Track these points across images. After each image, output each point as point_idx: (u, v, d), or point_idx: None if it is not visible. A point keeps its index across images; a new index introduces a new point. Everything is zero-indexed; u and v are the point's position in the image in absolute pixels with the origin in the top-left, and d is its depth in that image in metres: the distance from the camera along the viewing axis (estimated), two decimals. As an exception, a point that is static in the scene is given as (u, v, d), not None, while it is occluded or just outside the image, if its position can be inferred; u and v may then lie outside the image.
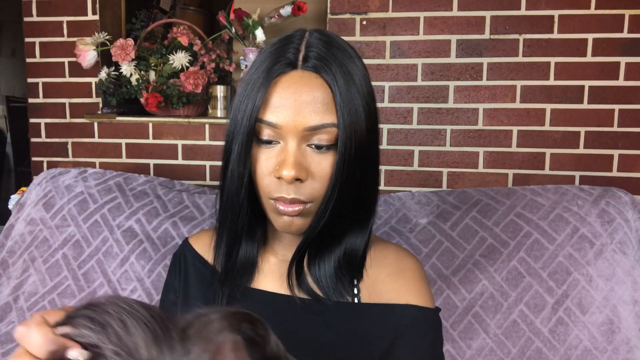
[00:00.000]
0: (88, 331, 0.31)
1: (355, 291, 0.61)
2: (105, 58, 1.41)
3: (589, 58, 1.26)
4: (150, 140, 1.44)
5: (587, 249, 0.96)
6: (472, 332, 0.93)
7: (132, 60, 1.34)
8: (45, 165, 1.50)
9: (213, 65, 1.36)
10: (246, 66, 1.39)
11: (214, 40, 1.41)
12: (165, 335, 0.31)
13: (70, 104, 1.47)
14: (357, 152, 0.54)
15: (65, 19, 1.44)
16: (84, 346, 0.31)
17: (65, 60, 1.46)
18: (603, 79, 1.26)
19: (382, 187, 1.36)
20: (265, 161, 0.54)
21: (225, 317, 0.33)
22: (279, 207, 0.54)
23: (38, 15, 1.45)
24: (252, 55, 1.37)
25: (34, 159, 1.51)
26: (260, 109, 0.52)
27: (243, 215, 0.58)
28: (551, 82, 1.28)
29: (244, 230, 0.60)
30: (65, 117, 1.48)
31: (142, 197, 1.13)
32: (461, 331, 0.93)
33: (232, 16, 1.39)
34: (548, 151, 1.30)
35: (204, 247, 0.69)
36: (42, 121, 1.49)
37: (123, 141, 1.45)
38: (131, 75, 1.34)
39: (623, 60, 1.25)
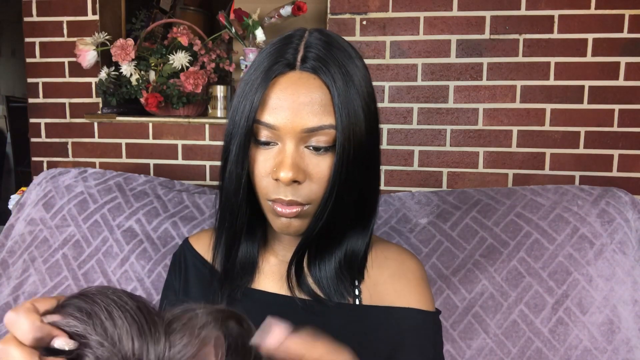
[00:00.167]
0: (75, 321, 0.32)
1: (357, 292, 0.61)
2: (105, 58, 1.41)
3: (589, 58, 1.26)
4: (150, 140, 1.44)
5: (587, 249, 0.96)
6: (472, 332, 0.93)
7: (132, 60, 1.34)
8: (45, 165, 1.50)
9: (213, 65, 1.36)
10: (246, 66, 1.39)
11: (214, 40, 1.41)
12: (151, 328, 0.31)
13: (70, 104, 1.47)
14: (356, 154, 0.53)
15: (65, 19, 1.44)
16: (71, 335, 0.32)
17: (65, 60, 1.46)
18: (603, 79, 1.26)
19: (382, 187, 1.36)
20: (263, 162, 0.54)
21: (211, 313, 0.33)
22: (277, 209, 0.54)
23: (38, 15, 1.45)
24: (252, 55, 1.37)
25: (34, 159, 1.51)
26: (258, 110, 0.52)
27: (242, 216, 0.58)
28: (551, 82, 1.28)
29: (243, 230, 0.59)
30: (65, 117, 1.48)
31: (142, 197, 1.13)
32: (461, 331, 0.93)
33: (232, 16, 1.39)
34: (548, 151, 1.30)
35: (204, 247, 0.69)
36: (42, 121, 1.49)
37: (123, 141, 1.45)
38: (131, 75, 1.34)
39: (623, 60, 1.25)
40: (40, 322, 0.31)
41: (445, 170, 1.34)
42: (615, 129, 1.27)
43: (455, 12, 1.30)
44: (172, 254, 0.73)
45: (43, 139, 1.50)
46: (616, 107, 1.26)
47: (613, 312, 0.91)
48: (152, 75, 1.36)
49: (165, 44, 1.37)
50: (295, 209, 0.54)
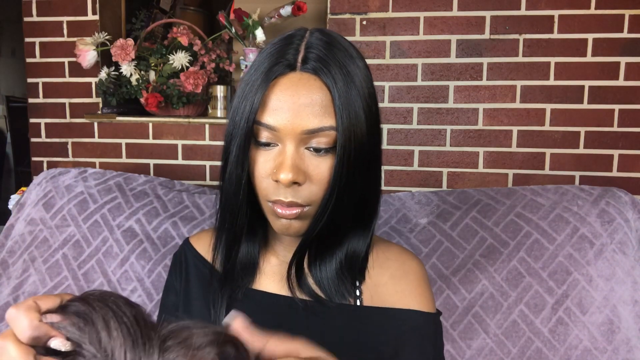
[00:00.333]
0: (72, 327, 0.32)
1: (357, 293, 0.60)
2: (105, 58, 1.41)
3: (589, 58, 1.26)
4: (150, 140, 1.44)
5: (587, 249, 0.96)
6: (472, 332, 0.93)
7: (132, 60, 1.34)
8: (45, 165, 1.50)
9: (213, 65, 1.36)
10: (246, 66, 1.39)
11: (214, 40, 1.41)
12: (145, 343, 0.32)
13: (70, 104, 1.47)
14: (357, 155, 0.53)
15: (65, 19, 1.44)
16: (67, 338, 0.32)
17: (65, 60, 1.46)
18: (603, 79, 1.26)
19: (382, 187, 1.36)
20: (263, 163, 0.53)
21: (208, 334, 0.33)
22: (277, 210, 0.54)
23: (38, 15, 1.45)
24: (252, 55, 1.37)
25: (34, 159, 1.51)
26: (258, 111, 0.52)
27: (242, 217, 0.57)
28: (551, 82, 1.28)
29: (243, 231, 0.59)
30: (65, 117, 1.48)
31: (142, 197, 1.13)
32: (461, 331, 0.93)
33: (232, 16, 1.39)
34: (548, 151, 1.30)
35: (205, 247, 0.68)
36: (42, 121, 1.49)
37: (123, 141, 1.45)
38: (131, 75, 1.34)
39: (623, 60, 1.25)
40: (39, 321, 0.31)
41: (445, 170, 1.34)
42: (615, 129, 1.27)
43: (455, 12, 1.30)
44: (173, 254, 0.73)
45: (43, 139, 1.50)
46: (616, 107, 1.26)
47: (613, 312, 0.91)
48: (152, 75, 1.36)
49: (165, 44, 1.37)
50: (295, 211, 0.54)
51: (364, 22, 1.34)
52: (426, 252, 1.01)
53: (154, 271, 1.02)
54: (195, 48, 1.34)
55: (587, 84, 1.27)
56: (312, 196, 0.53)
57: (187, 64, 1.32)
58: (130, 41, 1.34)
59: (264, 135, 0.53)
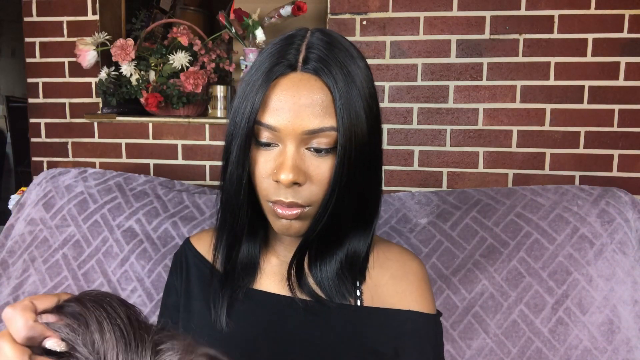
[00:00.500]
0: (66, 328, 0.32)
1: (358, 293, 0.60)
2: (105, 58, 1.41)
3: (589, 58, 1.26)
4: (150, 140, 1.44)
5: (587, 249, 0.96)
6: (472, 332, 0.93)
7: (132, 60, 1.34)
8: (45, 165, 1.50)
9: (213, 65, 1.36)
10: (246, 66, 1.39)
11: (214, 40, 1.41)
12: (138, 345, 0.32)
13: (70, 104, 1.47)
14: (358, 155, 0.53)
15: (65, 19, 1.44)
16: (62, 339, 0.32)
17: (65, 60, 1.46)
18: (603, 79, 1.26)
19: (382, 187, 1.36)
20: (264, 164, 0.53)
21: (198, 348, 0.34)
22: (277, 210, 0.54)
23: (38, 15, 1.45)
24: (252, 55, 1.37)
25: (34, 159, 1.51)
26: (259, 111, 0.52)
27: (242, 217, 0.57)
28: (551, 82, 1.28)
29: (244, 231, 0.59)
30: (65, 117, 1.48)
31: (142, 197, 1.13)
32: (461, 331, 0.93)
33: (232, 16, 1.39)
34: (548, 151, 1.30)
35: (206, 247, 0.68)
36: (42, 121, 1.49)
37: (123, 141, 1.45)
38: (131, 75, 1.34)
39: (623, 60, 1.25)
40: (34, 322, 0.32)
41: (445, 170, 1.34)
42: (615, 129, 1.27)
43: (455, 12, 1.30)
44: (174, 254, 0.73)
45: (43, 139, 1.50)
46: (616, 107, 1.26)
47: (613, 312, 0.91)
48: (152, 75, 1.36)
49: (165, 44, 1.37)
50: (295, 211, 0.53)
51: (364, 22, 1.34)
52: (426, 252, 1.01)
53: (154, 271, 1.02)
54: (195, 48, 1.34)
55: (587, 84, 1.27)
56: (313, 196, 0.53)
57: (187, 64, 1.32)
58: (130, 41, 1.34)
59: (265, 136, 0.53)
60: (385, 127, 1.35)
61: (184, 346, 0.33)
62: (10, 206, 1.29)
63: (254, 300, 0.62)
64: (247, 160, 0.54)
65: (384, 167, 1.35)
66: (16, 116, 3.03)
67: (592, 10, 1.25)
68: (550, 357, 0.89)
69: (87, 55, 1.36)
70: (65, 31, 1.45)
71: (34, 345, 0.32)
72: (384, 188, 1.36)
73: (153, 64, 1.35)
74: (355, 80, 0.53)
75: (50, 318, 0.33)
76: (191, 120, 1.38)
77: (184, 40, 1.32)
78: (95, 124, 1.46)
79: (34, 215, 1.12)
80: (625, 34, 1.24)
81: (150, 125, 1.43)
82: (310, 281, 0.60)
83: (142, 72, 1.35)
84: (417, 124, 1.34)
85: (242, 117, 0.53)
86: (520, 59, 1.28)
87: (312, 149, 0.52)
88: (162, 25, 1.68)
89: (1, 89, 3.23)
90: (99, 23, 1.43)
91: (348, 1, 1.34)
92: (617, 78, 1.26)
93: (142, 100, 1.35)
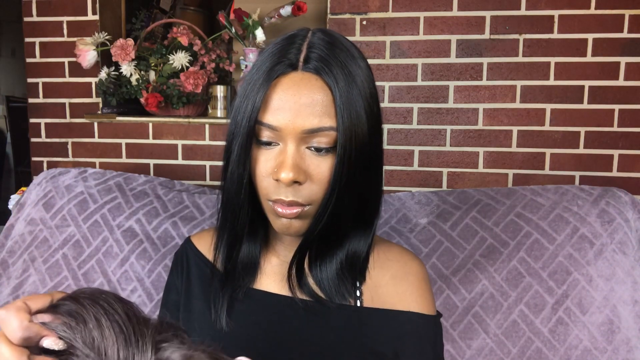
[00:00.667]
0: (63, 326, 0.32)
1: (358, 293, 0.60)
2: (105, 58, 1.41)
3: (589, 58, 1.26)
4: (150, 140, 1.44)
5: (587, 249, 0.96)
6: (472, 332, 0.93)
7: (132, 60, 1.34)
8: (45, 165, 1.50)
9: (213, 65, 1.36)
10: (246, 66, 1.39)
11: (214, 40, 1.41)
12: (138, 340, 0.32)
13: (70, 104, 1.47)
14: (358, 155, 0.53)
15: (65, 19, 1.44)
16: (60, 337, 0.32)
17: (65, 60, 1.46)
18: (603, 79, 1.26)
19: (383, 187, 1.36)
20: (264, 163, 0.53)
21: (197, 346, 0.34)
22: (277, 209, 0.54)
23: (38, 15, 1.45)
24: (252, 55, 1.37)
25: (34, 159, 1.51)
26: (260, 110, 0.52)
27: (243, 216, 0.57)
28: (551, 82, 1.28)
29: (245, 231, 0.59)
30: (65, 117, 1.48)
31: (142, 197, 1.13)
32: (461, 331, 0.93)
33: (232, 16, 1.39)
34: (548, 151, 1.30)
35: (206, 246, 0.69)
36: (42, 121, 1.49)
37: (123, 141, 1.45)
38: (131, 75, 1.34)
39: (623, 60, 1.25)
40: (29, 322, 0.32)
41: (445, 170, 1.34)
42: (615, 129, 1.27)
43: (455, 12, 1.30)
44: (174, 253, 0.73)
45: (43, 139, 1.50)
46: (616, 107, 1.26)
47: (613, 312, 0.91)
48: (152, 75, 1.36)
49: (165, 44, 1.37)
50: (295, 210, 0.54)
51: (364, 22, 1.34)
52: (426, 252, 1.01)
53: (154, 271, 1.02)
54: (195, 48, 1.34)
55: (587, 84, 1.27)
56: (313, 195, 0.53)
57: (187, 64, 1.32)
58: (130, 41, 1.34)
59: (265, 135, 0.53)
60: (385, 127, 1.35)
61: (185, 341, 0.33)
62: (10, 206, 1.29)
63: (254, 300, 0.62)
64: (248, 159, 0.54)
65: (384, 167, 1.35)
66: (16, 116, 3.02)
67: (592, 10, 1.25)
68: (550, 357, 0.89)
69: (87, 55, 1.36)
70: (65, 31, 1.45)
71: (31, 346, 0.32)
72: (384, 188, 1.36)
73: (153, 64, 1.35)
74: (356, 80, 0.53)
75: (45, 318, 0.33)
76: (191, 120, 1.38)
77: (184, 40, 1.32)
78: (95, 124, 1.46)
79: (34, 215, 1.12)
80: (625, 34, 1.24)
81: (150, 125, 1.43)
82: (310, 281, 0.60)
83: (142, 72, 1.35)
84: (417, 124, 1.34)
85: (243, 116, 0.53)
86: (520, 59, 1.28)
87: (312, 148, 0.52)
88: (162, 25, 1.68)
89: (1, 89, 3.23)
90: (99, 23, 1.43)
91: (348, 1, 1.34)
92: (617, 78, 1.26)
93: (142, 100, 1.35)
